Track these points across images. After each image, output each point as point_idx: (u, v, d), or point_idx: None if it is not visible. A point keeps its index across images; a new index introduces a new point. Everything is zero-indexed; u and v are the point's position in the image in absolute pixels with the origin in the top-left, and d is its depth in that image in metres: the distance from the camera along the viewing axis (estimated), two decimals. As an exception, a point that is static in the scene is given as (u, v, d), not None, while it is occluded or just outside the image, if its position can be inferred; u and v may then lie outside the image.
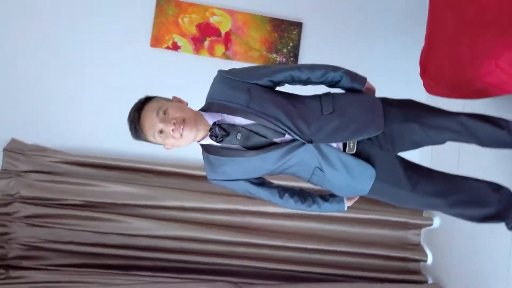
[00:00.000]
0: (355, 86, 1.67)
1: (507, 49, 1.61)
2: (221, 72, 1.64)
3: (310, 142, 1.50)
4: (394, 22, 2.94)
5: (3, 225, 2.44)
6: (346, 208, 1.73)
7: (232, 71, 1.63)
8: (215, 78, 1.64)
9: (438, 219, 2.70)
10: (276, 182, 1.76)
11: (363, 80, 1.69)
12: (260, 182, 1.68)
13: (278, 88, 1.71)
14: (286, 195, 1.69)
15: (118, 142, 2.65)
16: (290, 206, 1.72)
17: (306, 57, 2.86)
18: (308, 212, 1.87)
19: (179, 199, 2.58)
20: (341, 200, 1.72)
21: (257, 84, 1.59)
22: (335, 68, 1.65)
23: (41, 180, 2.50)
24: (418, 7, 2.61)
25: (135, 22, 2.78)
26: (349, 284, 2.58)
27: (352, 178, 1.58)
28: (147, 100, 1.54)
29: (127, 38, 2.78)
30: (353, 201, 1.72)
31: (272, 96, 1.58)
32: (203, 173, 1.92)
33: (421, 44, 2.33)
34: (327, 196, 1.72)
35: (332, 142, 1.54)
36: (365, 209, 2.69)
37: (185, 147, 1.61)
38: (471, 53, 1.84)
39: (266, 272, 2.59)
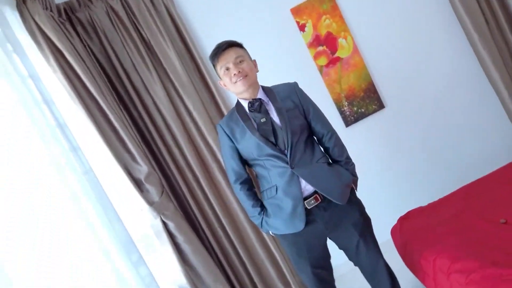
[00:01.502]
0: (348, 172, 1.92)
1: (449, 259, 1.82)
2: (295, 85, 1.94)
3: (292, 168, 1.81)
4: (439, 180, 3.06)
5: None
6: (269, 233, 1.93)
7: (303, 92, 1.93)
8: (289, 84, 1.94)
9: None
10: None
11: (356, 179, 1.95)
12: (241, 161, 1.93)
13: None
14: (246, 186, 1.92)
15: (207, 43, 2.89)
16: (239, 197, 1.94)
17: (360, 127, 3.02)
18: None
19: (197, 111, 2.73)
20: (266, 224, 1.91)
21: (304, 111, 1.89)
22: (348, 160, 1.93)
23: (147, 11, 2.74)
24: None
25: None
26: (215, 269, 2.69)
27: (289, 215, 1.82)
28: (240, 44, 1.88)
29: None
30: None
31: (303, 126, 1.86)
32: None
33: (423, 203, 2.58)
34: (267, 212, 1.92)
35: (306, 181, 1.80)
36: (282, 249, 2.86)
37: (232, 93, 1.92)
38: (441, 234, 2.06)
39: (185, 206, 2.77)
